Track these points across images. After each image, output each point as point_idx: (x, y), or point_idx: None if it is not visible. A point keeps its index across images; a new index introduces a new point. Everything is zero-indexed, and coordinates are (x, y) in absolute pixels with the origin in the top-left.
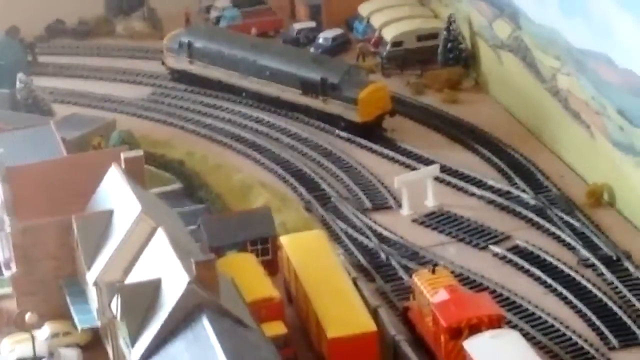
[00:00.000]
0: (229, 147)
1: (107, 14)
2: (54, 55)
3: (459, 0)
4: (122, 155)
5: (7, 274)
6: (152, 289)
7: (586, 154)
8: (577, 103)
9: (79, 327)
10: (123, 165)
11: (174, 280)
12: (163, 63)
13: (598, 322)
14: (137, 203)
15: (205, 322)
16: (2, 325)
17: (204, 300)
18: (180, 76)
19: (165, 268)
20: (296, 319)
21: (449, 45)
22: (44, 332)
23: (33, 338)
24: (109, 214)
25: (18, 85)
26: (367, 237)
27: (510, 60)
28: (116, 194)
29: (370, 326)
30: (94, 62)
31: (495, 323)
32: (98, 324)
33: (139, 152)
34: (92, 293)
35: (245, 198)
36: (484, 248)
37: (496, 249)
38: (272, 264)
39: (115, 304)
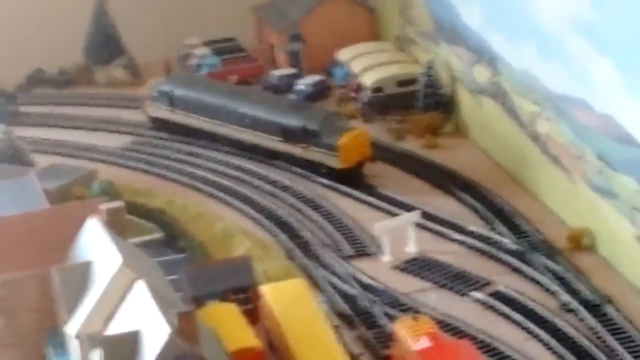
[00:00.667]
0: (210, 196)
1: (87, 62)
2: (34, 105)
3: (438, 45)
4: (103, 207)
5: None
6: (133, 341)
7: (566, 198)
8: (557, 147)
9: None
10: (104, 217)
11: (155, 332)
12: (144, 112)
13: None
14: (118, 254)
15: None
16: None
17: (185, 351)
18: (160, 125)
19: (146, 319)
20: None
21: (429, 90)
22: None
23: None
24: (89, 265)
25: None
26: (349, 284)
27: (490, 105)
28: (96, 245)
29: None
30: (74, 111)
31: None
32: None
33: (120, 203)
34: (73, 345)
35: (227, 246)
36: (465, 294)
37: (477, 294)
38: (253, 313)
39: (97, 356)
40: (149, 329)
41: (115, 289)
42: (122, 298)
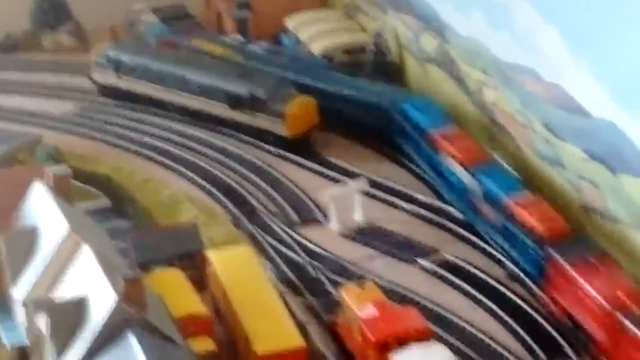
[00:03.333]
0: (157, 163)
1: (34, 27)
2: None
3: (386, 13)
4: (50, 171)
5: None
6: (79, 306)
7: (513, 167)
8: (504, 116)
9: (8, 344)
10: (51, 182)
11: (101, 298)
12: (90, 78)
13: (526, 336)
14: (64, 220)
15: (132, 340)
16: None
17: (131, 317)
18: (107, 91)
19: (92, 285)
20: (225, 335)
21: (377, 58)
22: None
23: None
24: (35, 230)
25: None
26: (296, 252)
27: (437, 74)
28: (42, 210)
29: (299, 341)
30: (20, 76)
31: (423, 337)
32: (26, 341)
33: (67, 169)
34: (19, 311)
35: (173, 213)
36: (412, 262)
37: (424, 262)
38: (199, 280)
39: (43, 322)
40: (95, 295)
41: (62, 255)
42: (68, 263)
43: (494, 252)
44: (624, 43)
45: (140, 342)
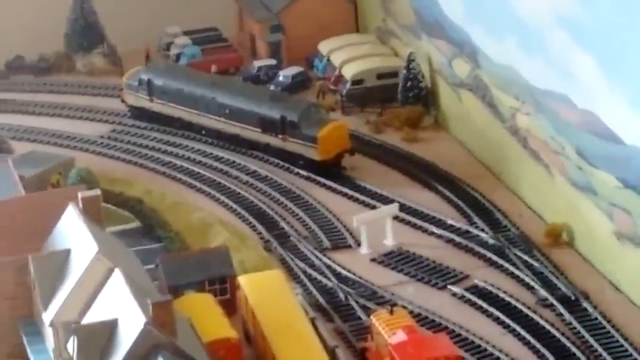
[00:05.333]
0: (188, 185)
1: (67, 50)
2: (13, 92)
3: (419, 38)
4: (80, 195)
5: None
6: (108, 330)
7: (545, 194)
8: (536, 142)
9: None
10: (80, 205)
11: (131, 321)
12: (123, 100)
13: None
14: (94, 243)
15: None
16: None
17: (160, 341)
18: (139, 114)
19: (122, 309)
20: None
21: (409, 83)
22: None
23: None
24: (66, 253)
25: None
26: (326, 276)
27: (470, 99)
28: (73, 233)
29: None
30: (53, 98)
31: None
32: None
33: (97, 192)
34: (48, 333)
35: (204, 236)
36: (443, 288)
37: (455, 288)
38: (230, 304)
39: (72, 345)
40: (124, 318)
41: (91, 278)
42: (98, 287)
43: (524, 278)
44: None
45: None
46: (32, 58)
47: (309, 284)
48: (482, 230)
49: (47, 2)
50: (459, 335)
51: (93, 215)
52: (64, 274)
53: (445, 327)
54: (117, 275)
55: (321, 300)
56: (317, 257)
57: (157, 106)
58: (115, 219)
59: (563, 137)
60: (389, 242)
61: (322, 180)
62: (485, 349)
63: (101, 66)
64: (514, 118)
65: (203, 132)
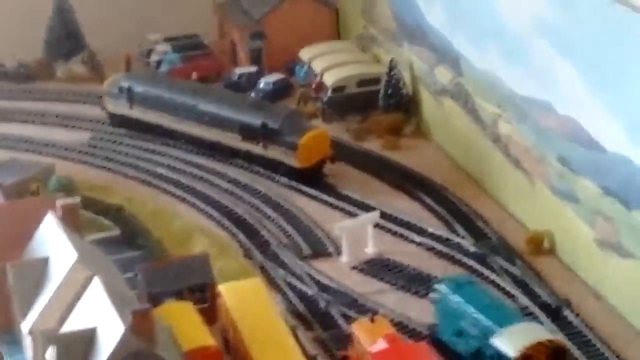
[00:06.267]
0: (169, 193)
1: (47, 57)
2: None
3: (400, 46)
4: (58, 202)
5: None
6: (87, 338)
7: (526, 201)
8: (518, 150)
9: None
10: (59, 212)
11: (110, 330)
12: (103, 108)
13: None
14: (73, 251)
15: None
16: None
17: (140, 349)
18: (120, 121)
19: (101, 317)
20: None
21: (390, 90)
22: None
23: None
24: (45, 261)
25: None
26: (306, 284)
27: (451, 106)
28: (52, 241)
29: None
30: (33, 106)
31: None
32: None
33: (76, 199)
34: (27, 343)
35: (185, 244)
36: (424, 296)
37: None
38: (210, 312)
39: (50, 354)
40: (103, 327)
41: (70, 286)
42: (77, 295)
43: (506, 286)
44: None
45: None
46: (11, 65)
47: (289, 292)
48: (463, 238)
49: (26, 9)
50: None
51: (72, 223)
52: (43, 282)
53: (427, 336)
54: (96, 283)
55: (301, 308)
56: (297, 264)
57: (137, 113)
58: (95, 227)
59: (545, 144)
60: (370, 250)
61: (303, 187)
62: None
63: (81, 73)
64: (495, 125)
65: (183, 139)
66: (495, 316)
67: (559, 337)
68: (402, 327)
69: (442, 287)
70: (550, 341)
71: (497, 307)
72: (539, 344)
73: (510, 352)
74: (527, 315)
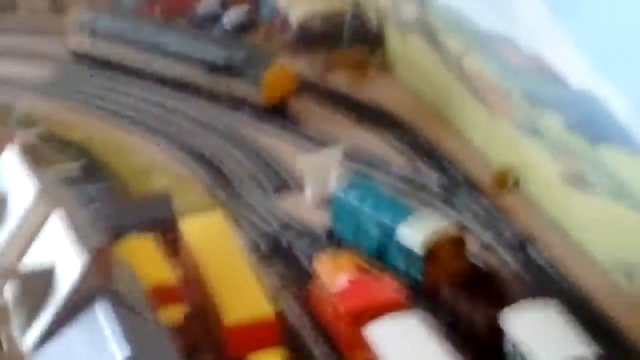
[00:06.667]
0: (131, 130)
1: None
2: None
3: None
4: (18, 137)
5: None
6: (46, 275)
7: (491, 137)
8: (482, 85)
9: None
10: (19, 147)
11: (69, 267)
12: (65, 44)
13: None
14: (33, 185)
15: (98, 309)
16: None
17: (98, 286)
18: (82, 58)
19: (60, 253)
20: (196, 304)
21: (355, 26)
22: None
23: None
24: (4, 196)
25: None
26: (269, 222)
27: (417, 42)
28: (11, 176)
29: (269, 312)
30: None
31: (399, 307)
32: None
33: (36, 134)
34: None
35: (147, 181)
36: None
37: None
38: (172, 248)
39: (8, 290)
40: (62, 264)
41: (30, 221)
42: (37, 230)
43: (469, 223)
44: (606, 12)
45: (106, 312)
46: None
47: (251, 229)
48: (428, 174)
49: None
50: None
51: (32, 156)
52: (2, 217)
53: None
54: (56, 219)
55: (264, 245)
56: (260, 201)
57: (100, 50)
58: (56, 162)
59: (509, 79)
60: (333, 188)
61: (267, 124)
62: None
63: (43, 7)
64: (460, 60)
65: (146, 76)
66: (391, 212)
67: (454, 226)
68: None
69: (337, 189)
70: (451, 231)
71: (392, 203)
72: (442, 235)
73: (417, 248)
74: (491, 251)
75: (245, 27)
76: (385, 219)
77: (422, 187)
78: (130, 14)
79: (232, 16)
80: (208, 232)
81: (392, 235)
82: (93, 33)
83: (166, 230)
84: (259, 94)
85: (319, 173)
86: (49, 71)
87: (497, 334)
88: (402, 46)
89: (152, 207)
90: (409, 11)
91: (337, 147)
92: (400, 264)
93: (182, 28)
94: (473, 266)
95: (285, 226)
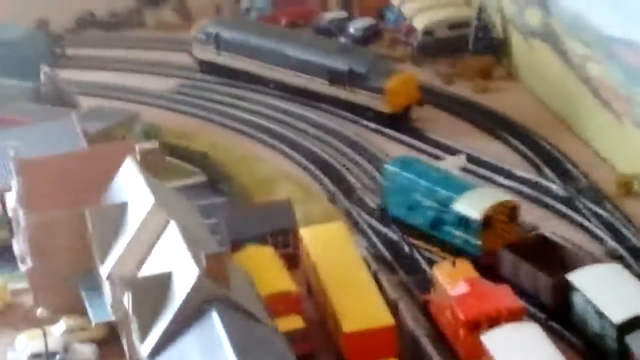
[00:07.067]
0: (255, 139)
1: (138, 5)
2: (83, 48)
3: None
4: (138, 148)
5: (22, 268)
6: (163, 283)
7: (616, 143)
8: (607, 91)
9: (93, 322)
10: (139, 157)
11: (185, 274)
12: (191, 54)
13: None
14: (151, 195)
15: (214, 316)
16: (19, 321)
17: (214, 293)
18: (207, 67)
19: (177, 261)
20: (315, 313)
21: (480, 33)
22: (59, 328)
23: (45, 334)
24: (123, 206)
25: (42, 78)
26: (391, 228)
27: (541, 48)
28: (130, 186)
29: (388, 320)
30: (122, 53)
31: (515, 316)
32: (112, 318)
33: (155, 144)
34: (106, 287)
35: (270, 190)
36: None
37: None
38: (292, 257)
39: (127, 298)
40: (179, 271)
41: (148, 230)
42: (154, 239)
43: (594, 229)
44: None
45: (221, 319)
46: (102, 13)
47: (374, 236)
48: (552, 181)
49: None
50: None
51: (152, 167)
52: (121, 226)
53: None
54: (173, 227)
55: (385, 252)
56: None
57: (225, 59)
58: (181, 173)
59: (634, 84)
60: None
61: (390, 132)
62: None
63: (171, 20)
64: (584, 66)
65: (271, 85)
66: (447, 186)
67: (513, 198)
68: (486, 270)
69: (389, 168)
70: (507, 201)
71: (446, 178)
72: (498, 204)
73: (474, 215)
74: (615, 258)
75: (370, 37)
76: (443, 192)
77: (546, 192)
78: (254, 23)
79: (357, 26)
80: (328, 241)
81: (450, 206)
82: (218, 43)
83: (287, 239)
84: (383, 102)
85: None
86: (174, 82)
87: (561, 296)
88: (526, 53)
89: (273, 216)
90: (533, 18)
91: (461, 154)
92: (458, 235)
93: (306, 37)
94: (529, 235)
95: (407, 233)
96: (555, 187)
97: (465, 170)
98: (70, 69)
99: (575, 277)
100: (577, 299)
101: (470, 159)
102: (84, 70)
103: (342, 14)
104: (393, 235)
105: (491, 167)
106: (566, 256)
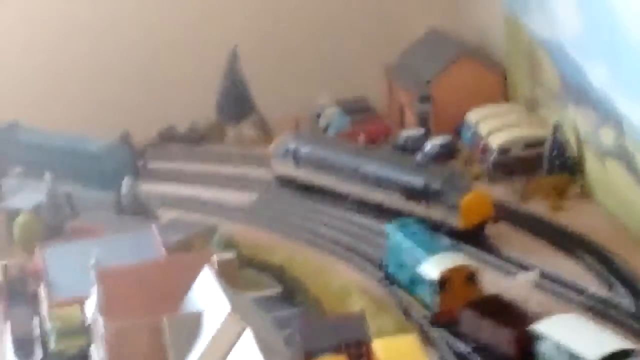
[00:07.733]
0: (331, 252)
1: (219, 119)
2: (164, 161)
3: (565, 106)
4: (215, 257)
5: None
6: None
7: None
8: None
9: None
10: (216, 267)
11: None
12: (270, 170)
13: None
14: (227, 303)
15: None
16: None
17: None
18: (285, 182)
19: None
20: None
21: (555, 152)
22: None
23: None
24: (200, 315)
25: (124, 189)
26: (464, 342)
27: (615, 167)
28: (207, 295)
29: None
30: (202, 167)
31: None
32: None
33: (231, 254)
34: None
35: (343, 303)
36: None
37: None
38: None
39: None
40: None
41: (223, 338)
42: (229, 347)
43: None
44: None
45: None
46: (184, 127)
47: (446, 350)
48: (624, 297)
49: (198, 72)
50: None
51: (228, 278)
52: (197, 335)
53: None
54: (248, 336)
55: None
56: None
57: (303, 174)
58: (256, 284)
59: None
60: (530, 309)
61: (465, 247)
62: None
63: (251, 135)
64: None
65: (347, 200)
66: (426, 248)
67: (472, 263)
68: None
69: (389, 227)
70: (464, 266)
71: (430, 241)
72: (455, 268)
73: (433, 275)
74: None
75: (446, 155)
76: (418, 254)
77: (616, 307)
78: (331, 139)
79: (434, 143)
80: (401, 354)
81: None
82: (297, 159)
83: (359, 351)
84: (457, 218)
85: (516, 296)
86: (253, 196)
87: (525, 347)
88: (601, 172)
89: (345, 328)
90: (608, 137)
91: (533, 270)
92: (423, 294)
93: (382, 154)
94: (487, 296)
95: (479, 348)
96: (627, 304)
97: (538, 286)
98: (151, 182)
99: (541, 327)
100: (545, 347)
101: (544, 275)
102: (164, 182)
103: (420, 131)
104: (466, 348)
105: (563, 284)
106: (525, 314)
